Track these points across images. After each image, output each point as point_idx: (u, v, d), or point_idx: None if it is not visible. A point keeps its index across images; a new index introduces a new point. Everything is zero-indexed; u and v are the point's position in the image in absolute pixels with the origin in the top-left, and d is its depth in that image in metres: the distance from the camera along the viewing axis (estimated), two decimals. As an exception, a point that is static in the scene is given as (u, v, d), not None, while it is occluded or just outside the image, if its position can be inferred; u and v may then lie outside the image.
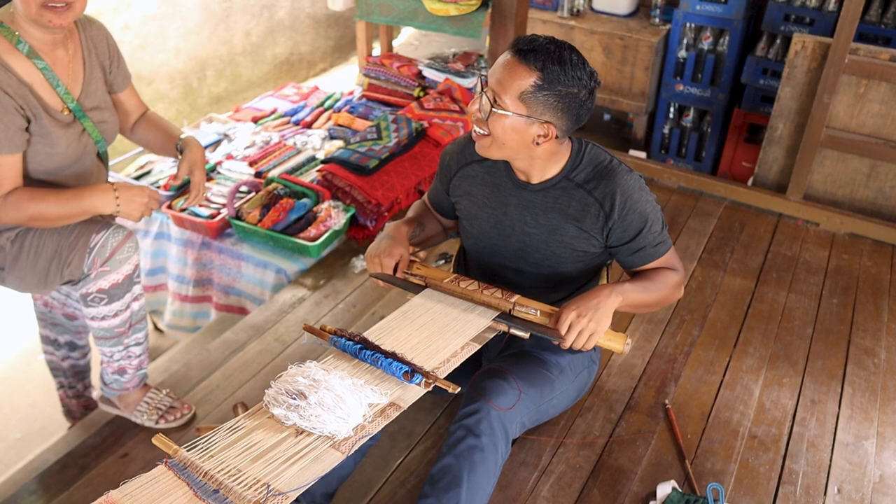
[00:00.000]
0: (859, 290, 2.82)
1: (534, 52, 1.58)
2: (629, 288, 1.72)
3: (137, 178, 3.10)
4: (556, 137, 1.66)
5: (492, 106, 1.62)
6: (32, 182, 1.87)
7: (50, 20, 1.73)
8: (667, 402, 2.23)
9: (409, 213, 2.06)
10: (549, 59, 1.58)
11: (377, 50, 4.43)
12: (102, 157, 2.04)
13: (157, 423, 2.15)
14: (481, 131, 1.67)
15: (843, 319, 2.65)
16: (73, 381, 2.42)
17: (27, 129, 1.78)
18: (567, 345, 1.63)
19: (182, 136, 2.12)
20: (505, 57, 1.63)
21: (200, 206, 2.94)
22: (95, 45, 1.95)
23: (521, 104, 1.60)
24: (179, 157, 2.09)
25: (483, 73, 3.85)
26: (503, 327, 1.70)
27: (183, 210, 2.89)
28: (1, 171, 1.74)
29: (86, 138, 1.92)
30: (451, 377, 1.58)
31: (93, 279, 1.90)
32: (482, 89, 1.65)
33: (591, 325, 1.61)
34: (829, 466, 2.07)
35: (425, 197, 2.10)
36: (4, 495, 2.01)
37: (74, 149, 1.89)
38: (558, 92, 1.59)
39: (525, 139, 1.65)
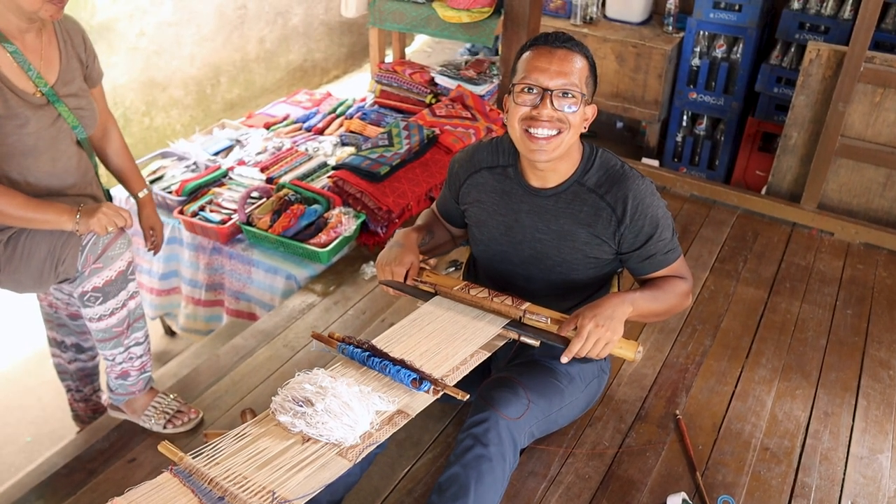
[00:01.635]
0: (874, 300, 2.79)
1: (571, 41, 1.69)
2: (639, 296, 1.71)
3: (150, 182, 3.11)
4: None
5: (581, 95, 1.65)
6: (11, 166, 1.89)
7: (50, 14, 1.79)
8: (678, 412, 2.20)
9: (419, 221, 2.06)
10: (580, 43, 1.71)
11: (390, 57, 4.44)
12: (83, 145, 2.06)
13: (164, 427, 2.15)
14: (551, 132, 1.65)
15: (858, 331, 2.62)
16: (81, 385, 2.43)
17: None
18: (582, 354, 1.61)
19: (140, 194, 2.28)
20: (554, 51, 1.65)
21: (212, 211, 2.95)
22: (71, 37, 1.99)
23: (585, 87, 1.68)
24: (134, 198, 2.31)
25: (495, 80, 3.84)
26: (513, 335, 1.69)
27: (195, 215, 2.91)
28: None
29: (61, 123, 1.94)
30: (459, 386, 1.57)
31: (87, 276, 1.92)
32: (543, 93, 1.63)
33: (608, 334, 1.60)
34: (843, 480, 2.04)
35: (434, 206, 2.10)
36: (12, 498, 2.02)
37: (48, 132, 1.91)
38: (595, 69, 1.73)
39: (581, 126, 1.71)
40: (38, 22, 1.84)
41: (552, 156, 1.69)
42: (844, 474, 2.05)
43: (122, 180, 2.29)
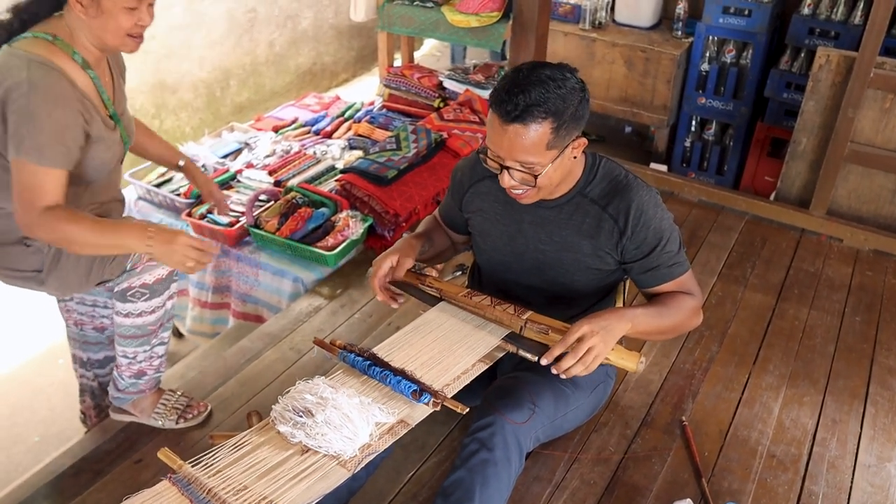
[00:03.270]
0: (883, 307, 2.77)
1: (528, 109, 1.52)
2: (641, 313, 1.68)
3: (158, 185, 3.13)
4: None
5: (534, 175, 1.59)
6: (81, 189, 1.90)
7: (130, 49, 1.84)
8: (684, 418, 2.20)
9: (419, 229, 2.05)
10: (544, 99, 1.53)
11: (398, 61, 4.45)
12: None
13: (177, 422, 2.17)
14: (521, 191, 1.65)
15: (867, 338, 2.60)
16: (101, 399, 2.43)
17: (87, 139, 1.82)
18: (569, 361, 1.56)
19: (181, 163, 2.34)
20: (505, 128, 1.55)
21: (219, 213, 2.96)
22: (116, 57, 2.03)
23: (552, 150, 1.58)
24: (178, 170, 2.38)
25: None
26: (511, 348, 1.68)
27: (203, 217, 2.92)
28: (45, 183, 1.74)
29: (121, 143, 1.98)
30: (464, 389, 1.57)
31: (138, 273, 1.95)
32: (501, 168, 1.60)
33: (601, 345, 1.57)
34: (850, 488, 2.02)
35: (437, 213, 2.09)
36: (20, 497, 2.03)
37: (115, 151, 1.95)
38: (571, 115, 1.57)
39: (566, 166, 1.66)
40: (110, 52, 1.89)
41: (532, 202, 1.70)
42: (852, 482, 2.04)
43: (162, 162, 2.38)
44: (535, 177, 1.60)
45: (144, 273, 1.95)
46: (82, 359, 2.35)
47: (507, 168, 1.60)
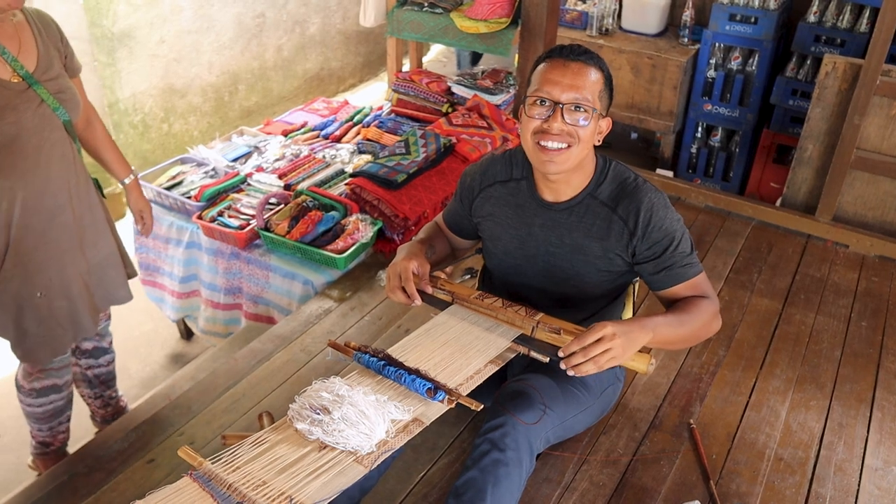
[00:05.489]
0: (889, 313, 2.78)
1: (587, 54, 1.69)
2: (661, 322, 1.69)
3: (169, 188, 3.15)
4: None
5: (593, 110, 1.66)
6: None
7: (7, 3, 1.85)
8: (692, 421, 2.21)
9: (420, 235, 2.06)
10: (597, 57, 1.71)
11: (407, 66, 4.47)
12: (68, 130, 2.09)
13: None
14: (562, 145, 1.67)
15: (873, 343, 2.62)
16: (102, 390, 2.44)
17: None
18: (582, 357, 1.56)
19: (126, 180, 2.38)
20: (568, 65, 1.67)
21: (230, 216, 2.98)
22: (44, 27, 2.05)
23: (599, 102, 1.69)
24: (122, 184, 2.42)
25: (511, 90, 3.86)
26: (523, 349, 1.70)
27: (214, 220, 2.94)
28: None
29: (44, 108, 1.97)
30: (475, 391, 1.59)
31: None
32: (554, 106, 1.65)
33: (619, 350, 1.57)
34: (857, 492, 2.04)
35: (440, 219, 2.10)
36: (32, 498, 2.04)
37: (32, 118, 1.94)
38: (609, 85, 1.73)
39: (593, 140, 1.72)
40: (2, 13, 1.89)
41: (562, 168, 1.70)
42: (859, 486, 2.05)
43: (107, 168, 2.37)
44: (589, 112, 1.65)
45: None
46: (71, 347, 2.37)
47: (562, 107, 1.64)
